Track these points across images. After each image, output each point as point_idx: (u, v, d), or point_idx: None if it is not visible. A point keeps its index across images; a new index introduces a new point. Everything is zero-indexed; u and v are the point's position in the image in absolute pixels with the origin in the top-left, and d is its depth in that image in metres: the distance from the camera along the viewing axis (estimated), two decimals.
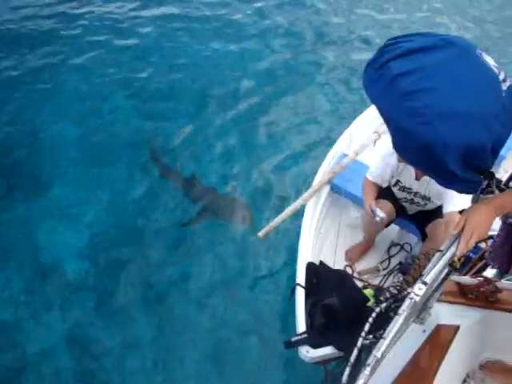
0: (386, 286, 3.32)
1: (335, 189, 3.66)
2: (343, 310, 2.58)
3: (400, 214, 3.25)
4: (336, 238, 3.51)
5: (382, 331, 1.67)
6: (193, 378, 3.14)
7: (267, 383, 3.14)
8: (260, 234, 3.23)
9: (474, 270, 3.03)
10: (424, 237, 3.23)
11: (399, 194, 3.13)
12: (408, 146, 1.55)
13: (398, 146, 1.64)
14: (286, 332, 2.99)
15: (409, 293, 1.65)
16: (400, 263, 3.46)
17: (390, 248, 3.63)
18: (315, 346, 2.53)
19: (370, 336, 1.96)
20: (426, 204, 3.08)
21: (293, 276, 2.93)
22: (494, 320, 2.26)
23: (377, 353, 1.56)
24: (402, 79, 1.46)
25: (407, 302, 1.60)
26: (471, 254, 3.12)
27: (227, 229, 4.01)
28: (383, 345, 1.56)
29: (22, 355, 3.17)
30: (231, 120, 5.20)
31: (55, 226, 3.98)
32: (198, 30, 6.54)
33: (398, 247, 3.62)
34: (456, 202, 2.76)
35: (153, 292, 3.58)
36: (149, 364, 3.18)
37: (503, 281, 2.43)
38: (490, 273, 2.91)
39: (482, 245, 3.09)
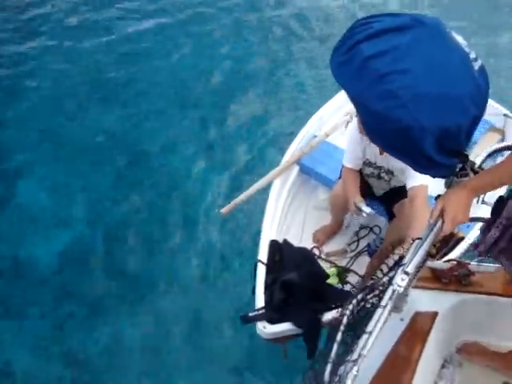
0: (352, 267, 3.30)
1: (304, 169, 3.61)
2: (302, 286, 2.54)
3: (368, 196, 3.20)
4: (303, 219, 3.47)
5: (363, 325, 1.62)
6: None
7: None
8: (223, 210, 3.16)
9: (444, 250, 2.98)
10: (391, 218, 3.20)
11: (366, 170, 3.09)
12: (382, 130, 1.49)
13: (371, 131, 1.58)
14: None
15: (388, 283, 1.61)
16: (368, 245, 3.43)
17: (359, 230, 3.59)
18: (273, 321, 2.47)
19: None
20: (390, 179, 3.05)
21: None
22: (468, 303, 2.24)
23: (363, 351, 1.49)
24: (375, 61, 1.41)
25: (389, 294, 1.55)
26: None
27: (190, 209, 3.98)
28: (369, 341, 1.50)
29: None
30: (204, 104, 5.16)
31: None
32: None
33: (367, 230, 3.59)
34: (418, 176, 2.71)
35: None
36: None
37: (474, 263, 2.41)
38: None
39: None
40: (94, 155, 4.49)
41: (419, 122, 1.39)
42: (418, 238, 1.66)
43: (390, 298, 1.55)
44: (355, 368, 1.45)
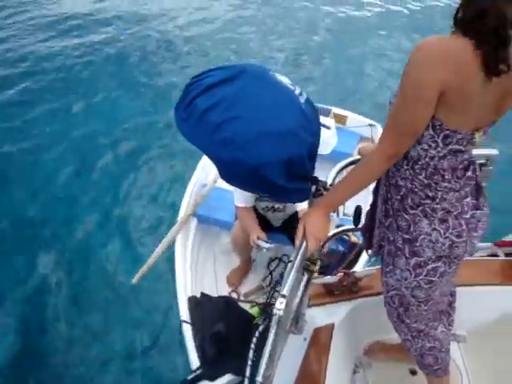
0: (273, 300, 3.35)
1: (202, 219, 3.64)
2: (231, 334, 2.55)
3: (267, 229, 3.30)
4: (214, 267, 3.49)
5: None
6: None
7: None
8: (134, 280, 3.10)
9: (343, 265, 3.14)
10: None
11: (260, 204, 3.19)
12: (234, 174, 1.62)
13: (226, 177, 1.69)
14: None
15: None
16: (281, 275, 3.51)
17: (269, 264, 3.67)
18: (213, 378, 2.44)
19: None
20: (285, 207, 3.17)
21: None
22: (362, 307, 2.40)
23: (258, 377, 1.50)
24: (209, 113, 1.53)
25: (273, 319, 1.57)
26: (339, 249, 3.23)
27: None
28: (261, 367, 1.51)
29: None
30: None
31: None
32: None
33: (277, 261, 3.68)
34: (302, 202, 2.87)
35: None
36: None
37: (358, 270, 2.59)
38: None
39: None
40: None
41: (260, 160, 1.52)
42: (290, 261, 1.71)
43: (275, 322, 1.55)
44: None
